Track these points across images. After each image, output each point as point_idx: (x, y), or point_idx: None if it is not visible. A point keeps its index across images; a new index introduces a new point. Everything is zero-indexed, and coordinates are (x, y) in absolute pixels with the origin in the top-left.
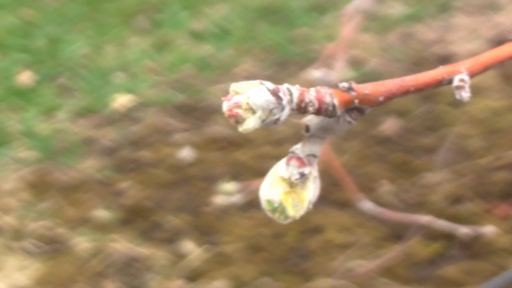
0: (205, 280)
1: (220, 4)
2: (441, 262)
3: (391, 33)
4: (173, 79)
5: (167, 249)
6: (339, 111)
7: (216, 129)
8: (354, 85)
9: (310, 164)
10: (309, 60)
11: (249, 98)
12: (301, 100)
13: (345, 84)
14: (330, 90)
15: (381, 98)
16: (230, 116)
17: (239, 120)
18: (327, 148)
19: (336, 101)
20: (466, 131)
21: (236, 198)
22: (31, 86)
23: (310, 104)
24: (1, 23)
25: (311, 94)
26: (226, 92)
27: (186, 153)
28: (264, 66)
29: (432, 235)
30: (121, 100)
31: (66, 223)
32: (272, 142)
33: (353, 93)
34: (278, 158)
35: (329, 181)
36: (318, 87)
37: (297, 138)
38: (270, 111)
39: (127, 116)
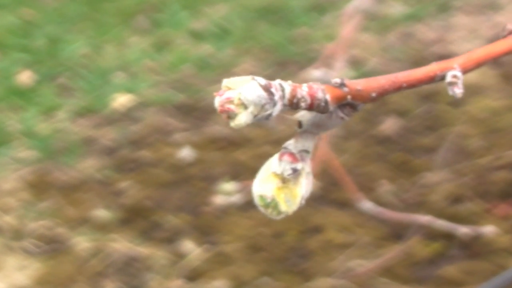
0: (205, 280)
1: (220, 4)
2: (441, 262)
3: (391, 33)
4: (173, 79)
5: (167, 249)
6: (331, 107)
7: (216, 128)
8: (346, 81)
9: (302, 159)
10: (309, 60)
11: (241, 94)
12: (293, 96)
13: (337, 80)
14: (322, 86)
15: (373, 94)
16: (222, 111)
17: (231, 116)
18: (327, 148)
19: (328, 97)
20: (466, 131)
21: (236, 198)
22: (31, 86)
23: (302, 99)
24: (1, 23)
25: (303, 90)
26: None
27: (186, 153)
28: (264, 66)
29: (432, 235)
30: (121, 100)
31: (66, 223)
32: (272, 141)
33: (346, 89)
34: None
35: (329, 181)
36: (311, 83)
37: None
38: (262, 106)
39: (127, 116)
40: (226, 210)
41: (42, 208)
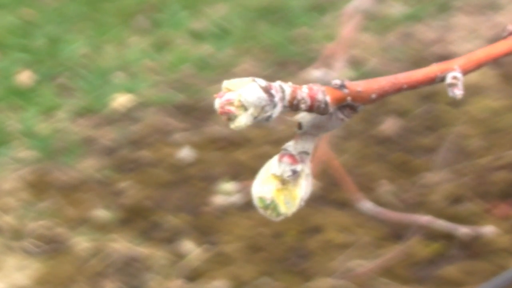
0: (205, 280)
1: (220, 4)
2: (441, 262)
3: (391, 33)
4: (172, 79)
5: (167, 249)
6: (331, 108)
7: (216, 129)
8: (346, 82)
9: (302, 161)
10: (309, 60)
11: (241, 95)
12: (293, 97)
13: (337, 81)
14: (323, 88)
15: (373, 96)
16: (222, 113)
17: (231, 117)
18: (327, 148)
19: (328, 98)
20: (466, 131)
21: (236, 198)
22: (31, 85)
23: (302, 101)
24: (1, 22)
25: (303, 91)
26: None
27: (185, 153)
28: (264, 66)
29: (432, 235)
30: (121, 100)
31: (65, 223)
32: (272, 141)
33: (346, 91)
34: None
35: (329, 181)
36: (311, 84)
37: None
38: (262, 108)
39: (127, 116)
40: (226, 210)
41: (42, 208)
